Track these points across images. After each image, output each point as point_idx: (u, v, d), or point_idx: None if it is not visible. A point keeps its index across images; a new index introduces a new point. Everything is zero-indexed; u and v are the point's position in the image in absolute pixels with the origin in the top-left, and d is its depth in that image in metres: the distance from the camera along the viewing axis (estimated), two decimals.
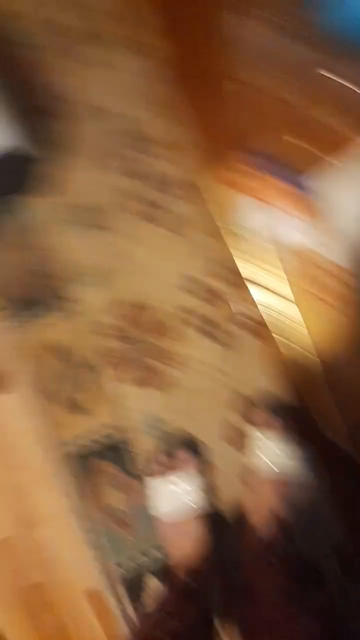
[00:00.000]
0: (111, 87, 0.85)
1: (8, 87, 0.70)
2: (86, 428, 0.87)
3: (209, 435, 0.86)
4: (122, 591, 0.88)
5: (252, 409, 0.83)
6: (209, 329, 0.85)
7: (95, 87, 0.85)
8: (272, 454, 0.79)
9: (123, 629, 0.87)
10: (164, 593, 0.75)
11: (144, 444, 0.86)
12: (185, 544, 0.79)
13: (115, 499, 0.87)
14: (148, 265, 0.84)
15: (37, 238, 0.84)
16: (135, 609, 0.88)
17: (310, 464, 0.80)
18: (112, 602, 0.88)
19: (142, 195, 0.84)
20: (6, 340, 0.86)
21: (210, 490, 0.84)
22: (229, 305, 0.85)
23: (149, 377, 0.85)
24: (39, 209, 0.84)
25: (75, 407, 0.87)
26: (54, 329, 0.86)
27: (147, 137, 0.85)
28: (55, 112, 0.83)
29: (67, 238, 0.85)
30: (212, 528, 0.80)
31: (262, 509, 0.78)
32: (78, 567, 0.90)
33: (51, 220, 0.85)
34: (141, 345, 0.85)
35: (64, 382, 0.86)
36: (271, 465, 0.78)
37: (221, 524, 0.83)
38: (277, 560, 0.69)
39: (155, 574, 0.87)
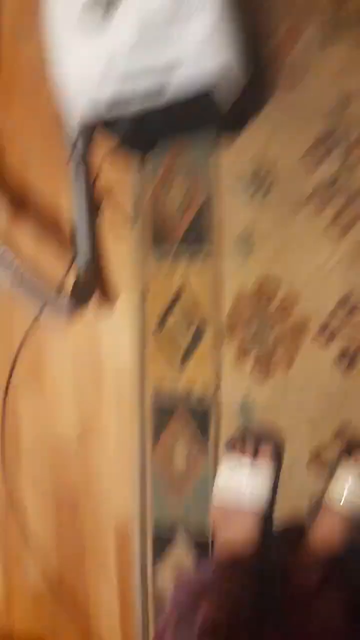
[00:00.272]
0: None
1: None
2: (182, 382, 0.85)
3: (297, 446, 0.81)
4: (149, 542, 0.89)
5: (354, 448, 0.77)
6: (345, 351, 0.78)
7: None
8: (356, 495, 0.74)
9: (134, 575, 0.89)
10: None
11: (233, 423, 0.83)
12: (233, 532, 0.77)
13: (181, 457, 0.86)
14: (307, 253, 0.78)
15: (207, 183, 0.81)
16: (153, 562, 0.89)
17: None
18: (135, 546, 0.89)
19: (326, 179, 0.76)
20: (149, 269, 0.85)
21: (273, 495, 0.81)
22: None
23: (266, 361, 0.81)
24: (219, 155, 0.80)
25: (183, 359, 0.85)
26: (192, 274, 0.83)
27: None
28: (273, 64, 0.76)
29: (237, 192, 0.80)
30: (264, 531, 0.78)
31: (322, 539, 0.74)
32: (119, 498, 0.91)
33: (226, 171, 0.80)
34: (269, 326, 0.81)
35: (182, 331, 0.85)
36: (349, 504, 0.73)
37: (272, 532, 0.81)
38: (329, 590, 0.65)
39: (188, 543, 0.86)
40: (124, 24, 0.58)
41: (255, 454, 0.79)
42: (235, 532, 0.77)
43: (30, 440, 0.96)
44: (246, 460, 0.79)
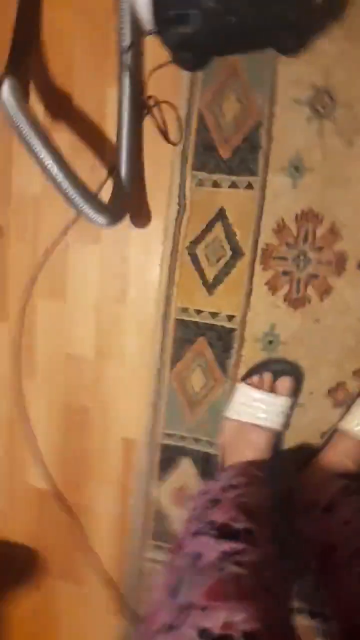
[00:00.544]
0: None
1: None
2: (210, 307, 0.84)
3: (317, 379, 0.81)
4: (156, 458, 0.90)
5: None
6: None
7: None
8: None
9: (138, 489, 0.91)
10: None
11: (255, 353, 0.83)
12: (245, 446, 0.78)
13: (197, 380, 0.86)
14: (358, 187, 0.76)
15: (261, 104, 0.78)
16: (158, 477, 0.90)
17: None
18: (141, 462, 0.90)
19: None
20: (189, 189, 0.83)
21: (287, 423, 0.81)
22: None
23: (295, 294, 0.80)
24: (277, 75, 0.77)
25: (213, 285, 0.84)
26: (233, 197, 0.81)
27: None
28: None
29: (293, 115, 0.77)
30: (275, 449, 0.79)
31: (334, 460, 0.76)
32: (128, 415, 0.92)
33: (283, 91, 0.77)
34: (306, 260, 0.79)
35: (216, 256, 0.83)
36: None
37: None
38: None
39: (196, 463, 0.87)
40: None
41: (272, 387, 0.80)
42: (248, 447, 0.78)
43: (47, 353, 0.95)
44: (265, 391, 0.79)
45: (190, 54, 0.76)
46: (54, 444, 0.97)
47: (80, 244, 0.90)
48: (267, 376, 0.80)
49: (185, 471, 0.89)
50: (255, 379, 0.81)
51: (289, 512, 0.77)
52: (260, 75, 0.77)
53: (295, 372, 0.81)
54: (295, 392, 0.81)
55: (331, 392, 0.81)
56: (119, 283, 0.89)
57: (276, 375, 0.81)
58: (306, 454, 0.81)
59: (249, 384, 0.81)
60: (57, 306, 0.93)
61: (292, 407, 0.81)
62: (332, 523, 0.67)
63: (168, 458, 0.89)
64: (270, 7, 0.63)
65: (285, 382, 0.80)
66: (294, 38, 0.71)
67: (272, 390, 0.80)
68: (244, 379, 0.82)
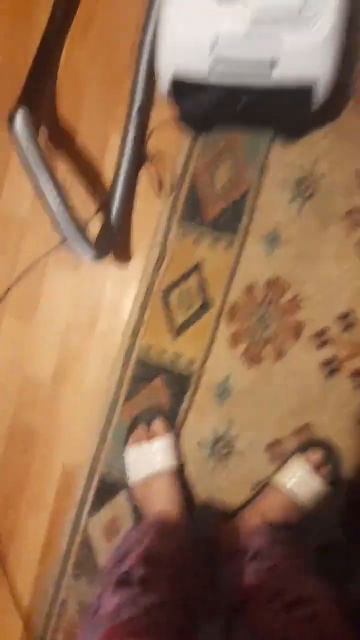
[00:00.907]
0: None
1: None
2: (172, 350, 0.88)
3: (258, 432, 0.86)
4: (93, 486, 0.90)
5: (313, 447, 0.83)
6: (332, 360, 0.85)
7: None
8: (302, 484, 0.81)
9: (68, 521, 0.90)
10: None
11: (205, 400, 0.87)
12: (155, 498, 0.82)
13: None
14: (325, 266, 0.85)
15: (252, 177, 0.85)
16: (90, 510, 0.90)
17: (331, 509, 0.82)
18: (78, 490, 0.90)
19: None
20: (172, 239, 0.88)
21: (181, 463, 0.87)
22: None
23: (253, 351, 0.86)
24: (271, 155, 0.85)
25: (179, 330, 0.88)
26: (211, 254, 0.87)
27: None
28: None
29: (279, 192, 0.85)
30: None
31: (260, 511, 0.80)
32: (74, 441, 0.92)
33: (273, 171, 0.85)
34: (268, 323, 0.86)
35: (186, 304, 0.88)
36: (292, 493, 0.80)
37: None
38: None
39: (129, 504, 0.89)
40: (243, 11, 0.62)
41: (149, 434, 0.86)
42: (158, 497, 0.82)
43: (3, 369, 0.95)
44: (144, 443, 0.85)
45: (198, 119, 0.82)
46: None
47: (59, 269, 0.92)
48: (142, 428, 0.86)
49: (120, 505, 0.89)
50: (133, 436, 0.87)
51: (214, 559, 0.80)
52: (256, 151, 0.85)
53: (161, 410, 0.87)
54: (171, 424, 0.87)
55: (269, 446, 0.86)
56: (90, 313, 0.92)
57: (148, 422, 0.87)
58: (237, 505, 0.85)
59: (130, 445, 0.86)
60: (23, 325, 0.93)
61: (177, 437, 0.87)
62: (256, 568, 0.70)
63: (105, 489, 0.90)
64: (276, 106, 0.71)
65: (158, 425, 0.86)
66: (291, 130, 0.80)
67: (151, 436, 0.85)
68: (125, 443, 0.87)
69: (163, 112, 0.86)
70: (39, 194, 0.72)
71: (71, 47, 0.92)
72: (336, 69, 0.67)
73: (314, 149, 0.84)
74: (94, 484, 0.90)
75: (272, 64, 0.63)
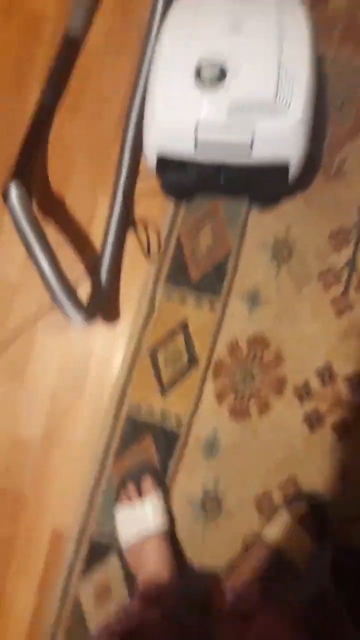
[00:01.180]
0: None
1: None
2: (161, 407, 0.90)
3: (246, 488, 0.88)
4: (83, 550, 0.89)
5: (299, 500, 0.85)
6: (314, 413, 0.88)
7: None
8: (290, 538, 0.81)
9: (58, 587, 0.88)
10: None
11: (194, 455, 0.89)
12: (147, 562, 0.81)
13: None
14: (303, 323, 0.89)
15: (232, 241, 0.91)
16: (80, 575, 0.88)
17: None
18: (68, 554, 0.89)
19: (337, 266, 0.90)
20: (157, 300, 0.92)
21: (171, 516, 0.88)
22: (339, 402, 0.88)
23: (239, 406, 0.89)
24: (249, 221, 0.91)
25: (166, 388, 0.90)
26: (196, 313, 0.91)
27: None
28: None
29: (257, 255, 0.91)
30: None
31: (251, 568, 0.80)
32: (63, 505, 0.91)
33: (251, 235, 0.91)
34: (252, 378, 0.89)
35: (173, 362, 0.91)
36: (282, 545, 0.80)
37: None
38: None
39: (123, 562, 0.87)
40: (223, 100, 0.68)
41: (139, 491, 0.86)
42: (150, 560, 0.81)
43: None
44: (135, 501, 0.85)
45: (181, 190, 0.88)
46: None
47: (48, 332, 0.95)
48: (131, 487, 0.86)
49: (111, 568, 0.88)
50: (122, 497, 0.87)
51: (207, 618, 0.79)
52: (235, 217, 0.91)
53: (150, 468, 0.88)
54: (160, 482, 0.87)
55: (257, 501, 0.87)
56: (79, 373, 0.93)
57: (137, 480, 0.87)
58: (228, 560, 0.85)
59: (120, 505, 0.86)
60: (13, 388, 0.94)
61: (167, 494, 0.87)
62: (249, 634, 0.70)
63: (96, 553, 0.88)
64: (254, 182, 0.77)
65: (146, 482, 0.86)
66: (267, 199, 0.86)
67: (141, 495, 0.85)
68: (115, 503, 0.87)
69: (148, 180, 0.92)
70: (33, 260, 0.75)
71: (61, 121, 0.98)
72: (307, 148, 0.74)
73: (288, 216, 0.90)
74: (84, 547, 0.89)
75: (250, 146, 0.70)
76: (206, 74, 0.69)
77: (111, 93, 0.98)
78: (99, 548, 0.88)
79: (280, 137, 0.70)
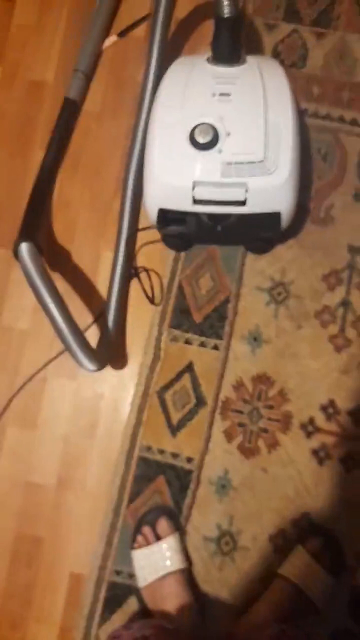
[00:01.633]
0: None
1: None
2: (172, 448, 0.92)
3: (260, 525, 0.89)
4: (102, 595, 0.90)
5: (313, 535, 0.86)
6: (321, 448, 0.91)
7: None
8: (306, 574, 0.83)
9: (78, 633, 0.89)
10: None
11: (207, 494, 0.91)
12: (165, 599, 0.83)
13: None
14: (304, 361, 0.93)
15: (231, 285, 0.96)
16: (100, 620, 0.89)
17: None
18: (86, 598, 0.90)
19: (332, 305, 0.94)
20: (164, 343, 0.96)
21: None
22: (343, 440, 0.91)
23: (247, 444, 0.91)
24: (246, 266, 0.96)
25: (176, 429, 0.93)
26: (201, 355, 0.95)
27: None
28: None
29: (255, 298, 0.95)
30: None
31: (270, 605, 0.81)
32: (80, 549, 0.93)
33: (249, 279, 0.96)
34: (259, 415, 0.92)
35: (180, 400, 0.94)
36: (298, 581, 0.82)
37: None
38: None
39: (142, 603, 0.88)
40: (216, 161, 0.74)
41: (155, 534, 0.87)
42: (167, 599, 0.83)
43: (6, 478, 0.96)
44: (152, 544, 0.86)
45: (179, 241, 0.93)
46: None
47: (58, 378, 0.98)
48: (147, 530, 0.88)
49: (131, 611, 0.89)
50: (139, 539, 0.88)
51: None
52: (232, 263, 0.96)
53: (164, 510, 0.90)
54: (176, 523, 0.89)
55: (272, 537, 0.89)
56: (90, 417, 0.96)
57: (153, 523, 0.88)
58: (246, 598, 0.86)
59: (137, 548, 0.87)
60: (26, 434, 0.97)
61: (183, 535, 0.89)
62: None
63: (114, 596, 0.90)
64: (249, 231, 0.83)
65: (162, 524, 0.87)
66: (261, 246, 0.91)
67: (157, 537, 0.87)
68: (132, 547, 0.88)
69: (148, 232, 0.97)
70: (46, 311, 0.79)
71: (63, 180, 1.04)
72: (297, 199, 0.80)
73: (282, 260, 0.95)
74: (103, 591, 0.90)
75: (244, 201, 0.75)
76: (200, 138, 0.74)
77: (109, 153, 1.04)
78: (118, 590, 0.89)
79: (271, 193, 0.75)
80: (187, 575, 0.86)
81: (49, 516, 0.94)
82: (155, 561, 0.85)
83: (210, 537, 0.90)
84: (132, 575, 0.89)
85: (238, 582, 0.88)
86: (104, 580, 0.90)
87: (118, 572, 0.90)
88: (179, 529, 0.89)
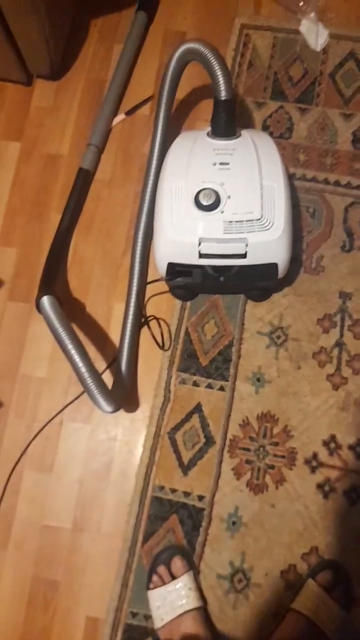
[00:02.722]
0: None
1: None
2: (183, 487, 0.96)
3: (271, 560, 0.92)
4: (119, 636, 0.90)
5: (323, 569, 0.88)
6: (325, 482, 0.95)
7: None
8: (319, 608, 0.84)
9: None
10: None
11: (218, 531, 0.93)
12: (183, 637, 0.83)
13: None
14: (304, 398, 0.99)
15: (234, 330, 1.03)
16: None
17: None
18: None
19: (328, 346, 1.01)
20: (173, 386, 1.02)
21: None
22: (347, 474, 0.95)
23: (255, 480, 0.95)
24: (246, 313, 1.04)
25: (186, 466, 0.97)
26: (208, 396, 1.00)
27: None
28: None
29: (257, 341, 1.02)
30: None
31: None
32: (96, 591, 0.94)
33: (249, 325, 1.03)
34: (265, 452, 0.96)
35: (190, 439, 0.98)
36: (311, 616, 0.83)
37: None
38: None
39: None
40: (219, 221, 0.83)
41: (170, 573, 0.89)
42: (184, 637, 0.83)
43: (23, 522, 0.99)
44: (167, 583, 0.88)
45: (185, 291, 1.01)
46: (13, 619, 0.94)
47: (73, 423, 1.03)
48: (162, 569, 0.90)
49: None
50: (154, 578, 0.90)
51: None
52: (234, 310, 1.03)
53: (178, 549, 0.91)
54: (189, 561, 0.90)
55: (284, 573, 0.91)
56: (104, 460, 1.00)
57: (167, 562, 0.90)
58: (261, 635, 0.87)
59: (153, 588, 0.89)
60: (42, 477, 1.00)
61: (195, 574, 0.90)
62: None
63: (131, 638, 0.90)
64: (249, 280, 0.91)
65: (176, 563, 0.89)
66: (260, 294, 1.00)
67: (173, 577, 0.88)
68: (148, 587, 0.90)
69: (157, 284, 1.05)
70: (67, 356, 0.84)
71: (78, 240, 1.14)
72: (291, 251, 0.89)
73: (279, 306, 1.03)
74: (119, 634, 0.90)
75: (244, 255, 0.84)
76: (204, 201, 0.84)
77: (118, 216, 1.14)
78: (135, 632, 0.90)
79: (268, 246, 0.84)
80: (203, 613, 0.87)
81: (65, 559, 0.96)
82: (172, 600, 0.87)
83: (223, 575, 0.91)
84: (147, 617, 0.90)
85: (252, 619, 0.89)
86: (120, 622, 0.91)
87: (134, 614, 0.91)
88: (193, 568, 0.91)
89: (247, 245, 0.83)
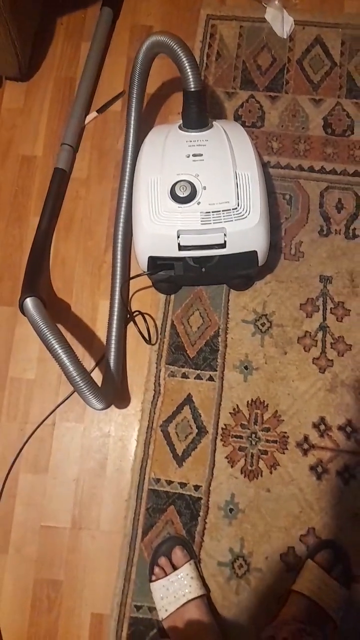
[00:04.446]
0: None
1: None
2: (179, 478, 0.95)
3: (270, 544, 0.91)
4: (125, 630, 0.89)
5: (322, 549, 0.88)
6: (318, 464, 0.95)
7: None
8: (320, 588, 0.84)
9: None
10: None
11: (216, 519, 0.93)
12: (188, 627, 0.83)
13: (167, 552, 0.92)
14: (292, 383, 0.98)
15: (219, 320, 1.02)
16: None
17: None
18: (110, 637, 0.89)
19: (312, 330, 1.00)
20: (162, 379, 1.00)
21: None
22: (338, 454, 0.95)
23: (249, 467, 0.95)
24: (230, 302, 1.03)
25: (181, 459, 0.96)
26: (198, 387, 0.99)
27: None
28: None
29: (242, 330, 1.01)
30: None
31: (288, 616, 0.82)
32: (98, 588, 0.93)
33: (234, 313, 1.03)
34: (257, 438, 0.96)
35: (183, 431, 0.98)
36: (313, 596, 0.83)
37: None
38: None
39: (162, 636, 0.88)
40: (196, 212, 0.82)
41: (172, 564, 0.88)
42: (190, 626, 0.83)
43: (22, 524, 0.97)
44: (169, 574, 0.87)
45: (168, 285, 1.00)
46: (17, 623, 0.93)
47: (66, 422, 1.01)
48: (163, 561, 0.89)
49: None
50: (156, 570, 0.89)
51: None
52: (218, 300, 1.02)
53: (177, 539, 0.91)
54: (190, 551, 0.90)
55: (283, 556, 0.91)
56: (99, 457, 0.99)
57: (168, 553, 0.89)
58: (264, 618, 0.86)
59: (155, 580, 0.88)
60: (38, 479, 0.98)
61: (196, 563, 0.90)
62: None
63: (137, 631, 0.89)
64: (230, 269, 0.90)
65: (177, 554, 0.89)
66: (242, 283, 0.99)
67: (174, 567, 0.88)
68: (150, 579, 0.89)
69: (140, 279, 1.04)
70: (54, 356, 0.82)
71: (58, 241, 1.12)
72: (269, 238, 0.88)
73: (262, 294, 1.02)
74: (125, 628, 0.89)
75: (223, 244, 0.83)
76: (180, 193, 0.82)
77: (97, 213, 1.12)
78: (140, 625, 0.89)
79: (246, 234, 0.83)
80: (206, 601, 0.87)
81: (65, 558, 0.95)
82: (175, 590, 0.86)
83: (224, 562, 0.91)
84: (152, 609, 0.89)
85: (255, 604, 0.89)
86: (125, 616, 0.90)
87: (138, 608, 0.90)
88: (193, 557, 0.90)
89: (225, 234, 0.82)
